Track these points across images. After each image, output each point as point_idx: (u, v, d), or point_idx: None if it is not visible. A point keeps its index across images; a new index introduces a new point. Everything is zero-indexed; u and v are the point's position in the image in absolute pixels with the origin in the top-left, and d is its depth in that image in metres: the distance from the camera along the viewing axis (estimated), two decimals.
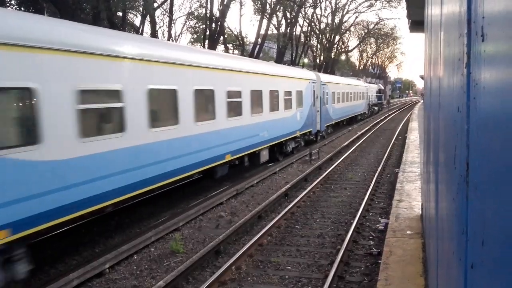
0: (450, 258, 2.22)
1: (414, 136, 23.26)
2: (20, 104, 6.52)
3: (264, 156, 16.28)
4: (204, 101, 11.55)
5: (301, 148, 21.26)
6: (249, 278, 7.21)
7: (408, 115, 47.78)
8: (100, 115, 8.00)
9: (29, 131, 6.41)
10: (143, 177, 8.82)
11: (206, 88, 11.49)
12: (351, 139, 25.72)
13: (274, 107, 16.66)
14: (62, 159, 6.88)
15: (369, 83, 54.44)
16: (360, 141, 25.06)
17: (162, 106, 9.94)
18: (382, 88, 66.58)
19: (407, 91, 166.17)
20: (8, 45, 6.02)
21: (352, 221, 9.86)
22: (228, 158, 12.76)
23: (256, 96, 14.86)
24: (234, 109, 13.11)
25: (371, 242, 8.79)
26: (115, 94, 8.08)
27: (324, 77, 27.63)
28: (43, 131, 6.50)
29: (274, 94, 16.67)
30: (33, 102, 6.40)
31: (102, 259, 7.54)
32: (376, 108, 55.51)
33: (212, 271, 7.47)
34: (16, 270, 6.17)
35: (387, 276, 5.62)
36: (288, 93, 18.46)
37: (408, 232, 7.33)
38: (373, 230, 9.53)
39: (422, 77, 12.36)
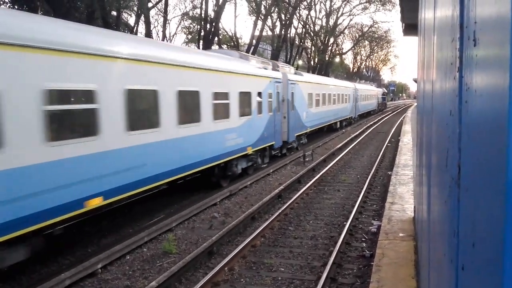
0: (441, 260, 2.24)
1: (407, 139, 23.36)
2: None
3: (337, 124, 33.70)
4: (324, 98, 28.87)
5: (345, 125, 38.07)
6: (242, 279, 7.22)
7: (401, 118, 48.02)
8: (317, 100, 26.15)
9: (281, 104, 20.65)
10: (317, 122, 26.49)
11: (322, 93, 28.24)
12: (345, 142, 25.80)
13: (339, 101, 33.55)
14: (302, 115, 22.84)
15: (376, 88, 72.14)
16: (354, 144, 25.15)
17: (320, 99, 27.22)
18: (386, 91, 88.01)
19: (400, 94, 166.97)
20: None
21: (345, 223, 9.89)
22: (331, 121, 31.01)
23: (329, 96, 30.43)
24: (323, 101, 28.29)
25: (364, 244, 8.83)
26: (326, 97, 28.81)
27: (357, 85, 46.68)
28: (294, 105, 21.24)
29: (341, 95, 33.93)
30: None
31: (95, 259, 7.51)
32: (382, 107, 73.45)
33: (205, 272, 7.47)
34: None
35: (380, 278, 5.64)
36: (347, 95, 36.96)
37: (401, 234, 7.36)
38: (365, 232, 9.57)
39: (415, 80, 12.48)
